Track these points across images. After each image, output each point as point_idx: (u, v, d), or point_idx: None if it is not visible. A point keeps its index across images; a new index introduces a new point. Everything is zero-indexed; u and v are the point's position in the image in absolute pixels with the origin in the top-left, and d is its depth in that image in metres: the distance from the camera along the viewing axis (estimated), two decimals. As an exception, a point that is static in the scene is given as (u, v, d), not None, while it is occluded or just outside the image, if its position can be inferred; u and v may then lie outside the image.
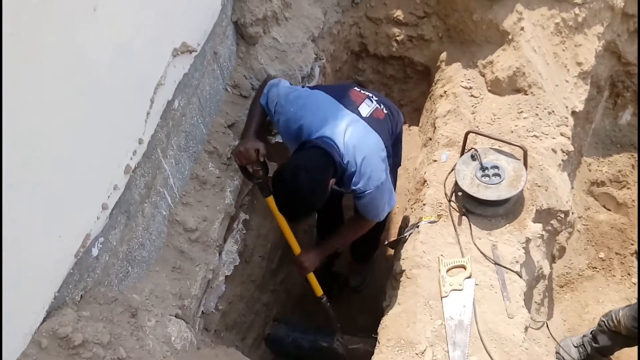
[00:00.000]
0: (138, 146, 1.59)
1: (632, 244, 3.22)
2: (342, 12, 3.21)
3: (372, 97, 2.24)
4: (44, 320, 1.26)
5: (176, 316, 1.71)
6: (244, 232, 2.43)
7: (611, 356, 2.84)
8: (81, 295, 1.40)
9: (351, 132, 2.03)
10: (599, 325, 2.71)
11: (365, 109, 2.17)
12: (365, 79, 3.54)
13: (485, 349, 2.05)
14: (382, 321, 2.34)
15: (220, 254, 2.20)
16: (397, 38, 3.27)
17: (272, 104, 2.18)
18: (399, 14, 3.19)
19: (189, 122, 2.02)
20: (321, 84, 3.00)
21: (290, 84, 2.24)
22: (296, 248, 2.39)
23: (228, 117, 2.34)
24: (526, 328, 2.15)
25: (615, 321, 2.59)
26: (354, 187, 2.07)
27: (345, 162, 2.02)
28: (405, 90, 3.50)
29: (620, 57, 3.11)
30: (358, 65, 3.53)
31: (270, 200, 2.21)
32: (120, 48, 1.44)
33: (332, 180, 2.00)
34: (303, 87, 2.22)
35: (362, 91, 2.26)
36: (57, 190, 1.25)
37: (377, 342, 2.29)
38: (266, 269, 2.80)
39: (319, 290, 2.55)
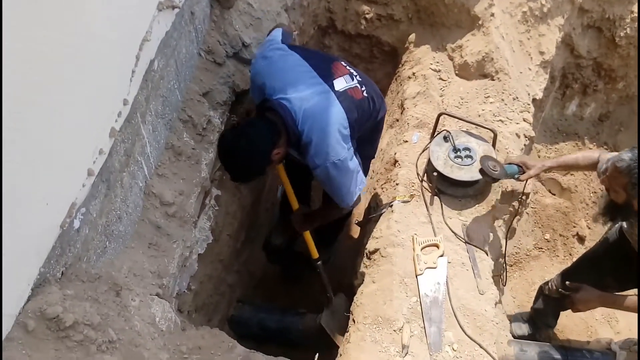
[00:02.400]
0: (123, 107, 1.43)
1: (574, 227, 3.48)
2: (312, -16, 3.12)
3: (356, 75, 2.18)
4: (29, 299, 1.09)
5: (157, 296, 1.57)
6: (216, 208, 2.30)
7: (555, 330, 3.07)
8: (62, 272, 1.24)
9: (314, 102, 1.97)
10: (538, 290, 2.93)
11: (341, 83, 2.10)
12: (333, 54, 3.48)
13: (459, 324, 2.11)
14: (356, 299, 2.33)
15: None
16: (367, 16, 3.23)
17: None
18: (369, -9, 3.15)
19: (166, 86, 1.86)
20: (306, 47, 2.92)
21: (284, 34, 2.18)
22: (295, 204, 2.47)
23: (202, 84, 2.19)
24: (496, 303, 2.25)
25: (549, 286, 2.80)
26: (309, 159, 2.03)
27: (299, 129, 1.96)
28: (370, 70, 3.48)
29: (573, 50, 3.31)
30: (324, 41, 3.45)
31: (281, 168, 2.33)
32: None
33: (279, 150, 1.96)
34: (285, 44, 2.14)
35: (347, 67, 2.18)
36: (45, 151, 1.08)
37: (351, 321, 2.28)
38: (232, 248, 2.69)
39: (315, 253, 2.58)
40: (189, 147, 2.00)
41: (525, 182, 2.44)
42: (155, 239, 1.74)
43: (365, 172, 2.50)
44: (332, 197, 2.20)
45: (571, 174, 3.57)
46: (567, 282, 2.44)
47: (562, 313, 2.94)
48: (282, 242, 2.98)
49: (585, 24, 3.20)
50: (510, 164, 2.32)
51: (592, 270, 2.53)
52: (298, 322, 2.69)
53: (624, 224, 2.27)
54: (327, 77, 2.06)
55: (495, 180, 2.30)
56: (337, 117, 2.01)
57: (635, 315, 2.47)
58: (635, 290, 2.48)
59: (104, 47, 1.29)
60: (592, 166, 2.24)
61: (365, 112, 2.18)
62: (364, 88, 2.18)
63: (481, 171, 2.26)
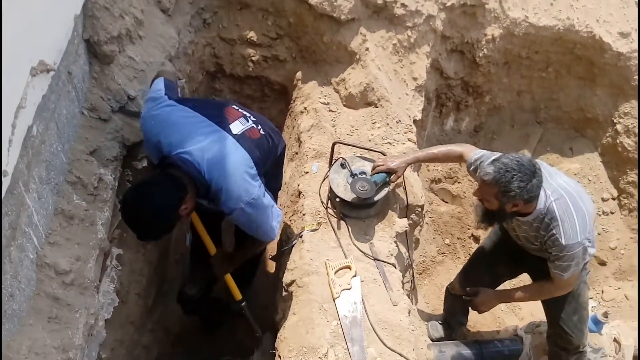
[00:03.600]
0: (2, 179, 1.35)
1: (468, 229, 3.81)
2: (194, 32, 3.17)
3: (250, 117, 2.24)
4: None
5: (64, 372, 1.47)
6: (119, 268, 2.21)
7: (467, 326, 3.31)
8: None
9: (216, 149, 2.00)
10: (445, 292, 3.17)
11: (238, 126, 2.15)
12: (223, 100, 3.53)
13: (379, 338, 2.21)
14: (279, 335, 2.35)
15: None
16: (253, 58, 3.35)
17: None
18: (252, 35, 3.26)
19: (48, 150, 1.78)
20: (195, 97, 2.92)
21: (167, 86, 2.14)
22: (212, 248, 2.40)
23: (88, 143, 2.12)
24: (409, 312, 2.39)
25: (453, 285, 3.04)
26: (223, 206, 2.04)
27: (207, 179, 1.97)
28: (264, 109, 3.58)
29: (442, 73, 3.69)
30: (215, 86, 3.50)
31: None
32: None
33: (187, 205, 1.93)
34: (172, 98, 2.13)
35: (239, 110, 2.24)
36: None
37: (277, 357, 2.28)
38: (143, 308, 2.57)
39: (238, 294, 2.53)
40: (80, 210, 1.92)
41: (403, 187, 2.70)
42: (55, 311, 1.63)
43: (275, 203, 2.57)
44: (255, 236, 2.22)
45: (458, 182, 3.92)
46: (467, 289, 2.67)
47: (471, 309, 3.18)
48: (197, 292, 2.90)
49: (449, 49, 3.61)
50: (376, 173, 2.54)
51: (485, 264, 2.81)
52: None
53: None
54: (223, 124, 2.10)
55: (370, 198, 2.50)
56: (242, 159, 2.05)
57: (531, 302, 2.78)
58: (526, 275, 2.80)
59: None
60: (454, 159, 2.54)
61: (266, 150, 2.25)
62: (259, 127, 2.26)
63: (355, 198, 2.46)
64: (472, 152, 2.38)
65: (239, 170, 2.02)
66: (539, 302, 2.71)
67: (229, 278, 2.53)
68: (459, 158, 2.47)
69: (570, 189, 2.17)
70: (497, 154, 2.20)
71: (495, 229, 2.74)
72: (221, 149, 2.00)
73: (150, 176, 1.95)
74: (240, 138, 2.10)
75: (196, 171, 1.93)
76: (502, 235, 2.61)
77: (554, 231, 2.13)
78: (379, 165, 2.51)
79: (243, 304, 2.59)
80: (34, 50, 1.60)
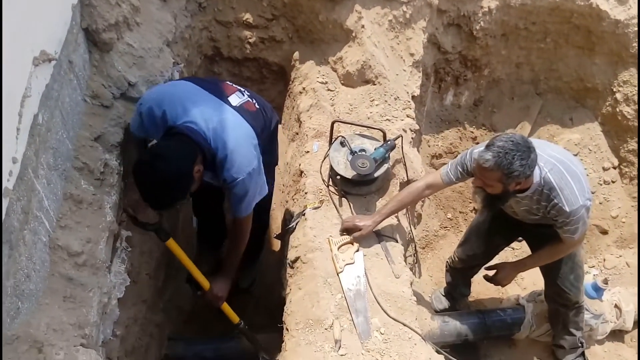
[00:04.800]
0: (13, 166, 1.41)
1: (470, 203, 3.85)
2: (190, 17, 3.18)
3: (245, 91, 2.31)
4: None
5: (82, 346, 1.55)
6: (129, 250, 2.28)
7: (470, 297, 3.38)
8: (-26, 341, 1.20)
9: (219, 118, 2.05)
10: (445, 266, 3.23)
11: (235, 99, 2.22)
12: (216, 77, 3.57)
13: (383, 309, 2.29)
14: (286, 309, 2.43)
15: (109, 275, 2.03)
16: (250, 40, 3.37)
17: (138, 113, 2.11)
18: (247, 17, 3.28)
19: (54, 137, 1.83)
20: (189, 76, 2.95)
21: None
22: (205, 283, 2.31)
23: (92, 129, 2.17)
24: (411, 283, 2.46)
25: (452, 259, 3.11)
26: (226, 175, 2.08)
27: (213, 147, 2.02)
28: (263, 91, 3.61)
29: (440, 47, 3.70)
30: (213, 69, 3.53)
31: (171, 242, 2.17)
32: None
33: (199, 167, 1.99)
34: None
35: (233, 85, 2.31)
36: None
37: (285, 330, 2.37)
38: (154, 288, 2.66)
39: (235, 318, 2.51)
40: (88, 194, 1.98)
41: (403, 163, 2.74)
42: (69, 291, 1.71)
43: (272, 179, 2.62)
44: (236, 211, 2.23)
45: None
46: (486, 274, 2.74)
47: (474, 281, 3.25)
48: (206, 271, 2.99)
49: (446, 23, 3.60)
50: (377, 149, 2.57)
51: (481, 236, 2.87)
52: (237, 345, 2.71)
53: None
54: (222, 96, 2.16)
55: (370, 175, 2.53)
56: (246, 130, 2.13)
57: (536, 270, 2.85)
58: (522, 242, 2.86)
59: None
60: (423, 193, 2.49)
61: (261, 123, 2.31)
62: (254, 101, 2.33)
63: (356, 175, 2.50)
64: (439, 172, 2.42)
65: (244, 139, 2.09)
66: (538, 270, 2.79)
67: (225, 305, 2.51)
68: (428, 188, 2.46)
69: (560, 156, 2.22)
70: (465, 154, 2.28)
71: None
72: (226, 119, 2.06)
73: (159, 143, 1.94)
74: (239, 110, 2.16)
75: (203, 139, 1.98)
76: (496, 212, 2.65)
77: (555, 200, 2.17)
78: (346, 226, 2.47)
79: (240, 326, 2.61)
80: (35, 40, 1.64)
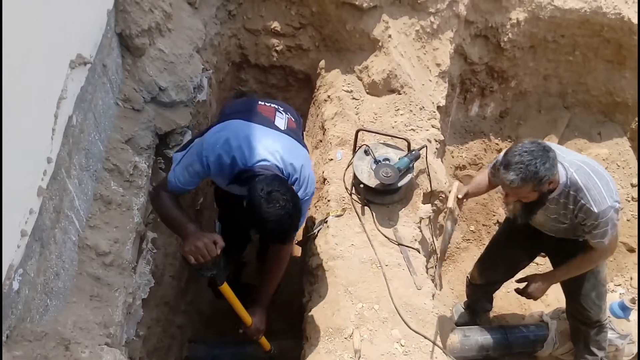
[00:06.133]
0: (47, 165, 1.45)
1: (493, 215, 3.79)
2: (220, 24, 3.24)
3: (280, 108, 2.30)
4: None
5: (107, 345, 1.57)
6: (154, 251, 2.31)
7: (492, 312, 3.32)
8: (7, 334, 1.22)
9: (280, 146, 2.06)
10: (466, 281, 3.18)
11: (280, 122, 2.21)
12: (249, 89, 3.61)
13: (404, 321, 2.26)
14: (306, 317, 2.42)
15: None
16: (277, 48, 3.41)
17: (195, 163, 2.03)
18: (275, 25, 3.32)
19: (87, 139, 1.88)
20: (226, 112, 2.90)
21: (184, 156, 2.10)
22: (247, 319, 2.26)
23: (123, 132, 2.22)
24: (433, 296, 2.42)
25: (472, 274, 3.07)
26: (301, 195, 2.08)
27: (286, 174, 2.05)
28: (288, 99, 3.64)
29: (467, 58, 3.67)
30: (240, 76, 3.58)
31: (225, 287, 2.12)
32: (21, 60, 1.31)
33: None
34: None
35: (267, 104, 2.28)
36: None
37: (305, 338, 2.36)
38: (177, 290, 2.68)
39: (267, 345, 2.47)
40: (117, 195, 2.02)
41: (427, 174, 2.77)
42: (96, 290, 1.74)
43: None
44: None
45: (483, 168, 3.90)
46: (517, 287, 2.70)
47: (495, 296, 3.20)
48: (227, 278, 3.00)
49: (473, 34, 3.58)
50: (401, 158, 2.57)
51: (502, 251, 2.83)
52: (256, 349, 2.70)
53: None
54: (270, 124, 2.15)
55: (394, 184, 2.53)
56: (304, 151, 2.19)
57: (560, 286, 2.79)
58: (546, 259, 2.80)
59: (23, 111, 1.32)
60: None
61: (300, 134, 2.35)
62: (289, 115, 2.31)
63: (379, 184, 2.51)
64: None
65: (305, 161, 2.14)
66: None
67: (263, 340, 2.44)
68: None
69: (585, 160, 2.21)
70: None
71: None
72: (284, 146, 2.07)
73: (259, 184, 1.86)
74: (289, 132, 2.17)
75: (279, 171, 2.01)
76: (517, 226, 2.60)
77: (582, 201, 2.13)
78: None
79: (272, 352, 2.54)
80: (71, 44, 1.69)
